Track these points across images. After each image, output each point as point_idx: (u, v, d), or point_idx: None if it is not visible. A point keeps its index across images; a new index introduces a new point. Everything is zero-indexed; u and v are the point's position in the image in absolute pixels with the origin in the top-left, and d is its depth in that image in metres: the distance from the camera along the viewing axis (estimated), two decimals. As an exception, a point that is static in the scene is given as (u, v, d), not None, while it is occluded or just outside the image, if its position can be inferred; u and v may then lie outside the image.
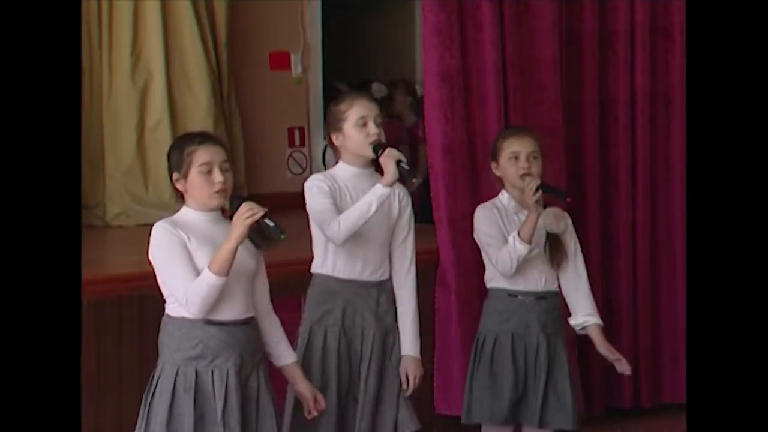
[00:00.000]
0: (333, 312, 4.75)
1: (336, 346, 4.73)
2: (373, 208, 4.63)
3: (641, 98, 6.68)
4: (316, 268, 4.82)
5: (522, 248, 4.96)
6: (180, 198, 4.31)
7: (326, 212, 4.65)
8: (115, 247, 7.36)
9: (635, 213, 6.71)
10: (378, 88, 9.37)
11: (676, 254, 6.76)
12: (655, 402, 6.79)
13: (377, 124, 4.74)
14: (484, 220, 5.11)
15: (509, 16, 6.29)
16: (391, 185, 4.65)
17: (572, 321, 5.17)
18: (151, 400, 4.22)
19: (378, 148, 4.72)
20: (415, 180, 4.88)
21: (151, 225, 4.27)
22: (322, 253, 4.77)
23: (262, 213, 4.12)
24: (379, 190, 4.64)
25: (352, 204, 4.68)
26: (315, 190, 4.70)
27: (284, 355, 4.42)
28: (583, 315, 5.16)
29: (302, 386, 4.44)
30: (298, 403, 4.55)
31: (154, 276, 4.27)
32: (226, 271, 4.10)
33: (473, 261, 5.92)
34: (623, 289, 6.69)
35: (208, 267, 4.11)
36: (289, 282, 5.15)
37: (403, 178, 4.73)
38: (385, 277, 4.84)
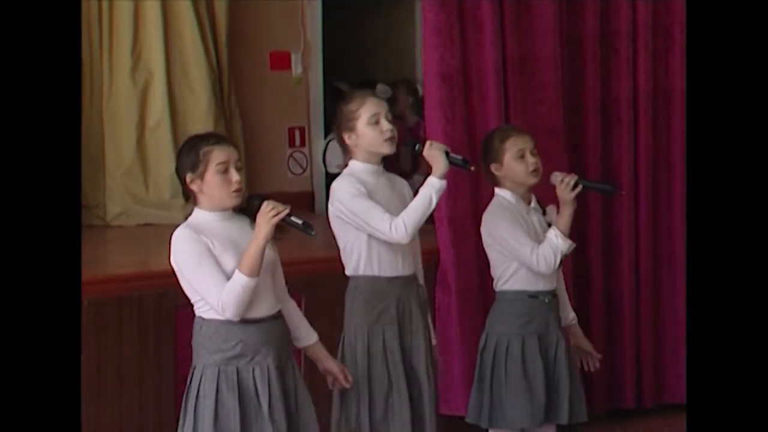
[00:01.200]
0: (388, 311, 4.78)
1: (397, 343, 4.78)
2: (434, 202, 4.70)
3: (643, 98, 6.68)
4: (356, 270, 4.82)
5: (564, 244, 4.96)
6: (192, 199, 4.31)
7: (378, 213, 4.67)
8: (115, 247, 7.36)
9: (637, 213, 6.71)
10: (383, 89, 9.35)
11: (678, 254, 6.75)
12: (656, 402, 6.79)
13: (389, 121, 4.77)
14: (506, 221, 5.03)
15: (509, 16, 6.29)
16: (444, 176, 4.70)
17: (563, 321, 5.18)
18: (196, 403, 4.26)
19: (416, 143, 4.80)
20: (473, 168, 4.90)
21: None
22: (365, 254, 4.77)
23: (287, 211, 4.17)
24: (436, 183, 4.69)
25: (382, 200, 4.72)
26: (354, 192, 4.70)
27: (307, 336, 4.51)
28: (569, 312, 5.23)
29: (330, 363, 4.54)
30: (370, 402, 4.65)
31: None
32: (258, 271, 4.16)
33: (473, 261, 5.92)
34: (625, 289, 6.69)
35: (239, 269, 4.15)
36: (289, 282, 5.14)
37: (457, 167, 4.78)
38: (415, 269, 4.90)
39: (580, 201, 6.40)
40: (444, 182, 4.71)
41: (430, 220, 6.35)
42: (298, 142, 9.00)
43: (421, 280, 4.98)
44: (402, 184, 4.96)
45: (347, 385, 4.54)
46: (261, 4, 8.75)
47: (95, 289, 5.40)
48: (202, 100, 8.12)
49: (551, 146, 6.22)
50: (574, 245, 5.07)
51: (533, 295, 5.06)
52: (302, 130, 9.01)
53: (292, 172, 8.95)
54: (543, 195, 5.17)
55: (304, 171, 8.96)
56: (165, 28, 8.06)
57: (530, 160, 5.02)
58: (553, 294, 5.10)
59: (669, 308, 6.80)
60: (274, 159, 8.86)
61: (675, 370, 6.76)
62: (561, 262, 5.04)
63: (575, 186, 4.99)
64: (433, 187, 4.69)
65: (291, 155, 8.98)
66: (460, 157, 4.79)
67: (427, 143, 4.77)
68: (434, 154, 4.72)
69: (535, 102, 6.37)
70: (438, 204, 6.12)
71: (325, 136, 9.00)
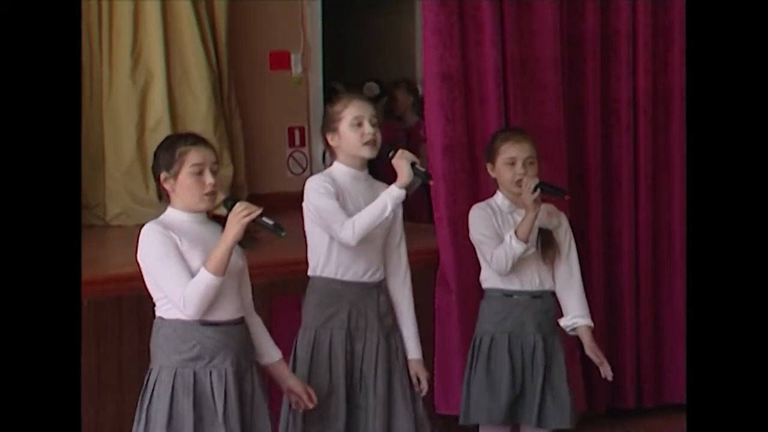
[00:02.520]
0: (338, 315, 4.72)
1: (343, 349, 4.71)
2: (389, 210, 4.62)
3: (643, 98, 6.68)
4: (315, 270, 4.78)
5: (518, 246, 4.97)
6: (165, 198, 4.28)
7: (336, 213, 4.63)
8: (115, 247, 7.36)
9: (637, 213, 6.71)
10: (370, 87, 9.35)
11: (678, 254, 6.75)
12: (656, 402, 6.79)
13: (373, 125, 4.73)
14: (479, 219, 5.12)
15: (509, 16, 6.29)
16: (405, 187, 4.65)
17: (562, 322, 5.17)
18: (149, 404, 4.21)
19: (390, 149, 4.73)
20: (432, 182, 4.89)
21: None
22: (325, 255, 4.73)
23: (258, 212, 4.12)
24: (395, 191, 4.64)
25: (351, 205, 4.67)
26: (321, 190, 4.67)
27: (270, 353, 4.43)
28: (573, 316, 5.17)
29: (292, 382, 4.45)
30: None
31: (144, 277, 4.26)
32: (223, 271, 4.10)
33: (473, 261, 5.91)
34: (626, 289, 6.69)
35: (205, 267, 4.10)
36: (289, 282, 5.15)
37: (418, 180, 4.74)
38: (383, 277, 4.83)
39: (580, 201, 6.45)
40: (403, 192, 4.63)
41: (430, 219, 6.38)
42: (298, 141, 9.00)
43: (405, 290, 4.86)
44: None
45: (310, 406, 4.45)
46: (261, 4, 8.75)
47: (95, 289, 5.40)
48: (202, 100, 8.11)
49: (550, 146, 6.22)
50: (533, 248, 5.04)
51: (508, 294, 5.09)
52: (302, 130, 9.02)
53: (292, 172, 8.95)
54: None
55: (304, 171, 8.96)
56: (165, 28, 8.05)
57: (518, 170, 5.04)
58: (534, 295, 5.10)
59: (669, 308, 6.80)
60: (274, 159, 8.86)
61: (674, 370, 6.76)
62: (563, 263, 5.06)
63: (535, 189, 4.99)
64: (390, 195, 4.63)
65: (291, 155, 8.98)
66: (423, 170, 4.73)
67: (399, 152, 4.71)
68: (400, 163, 4.65)
69: (535, 102, 6.37)
70: (438, 204, 6.18)
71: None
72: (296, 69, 8.99)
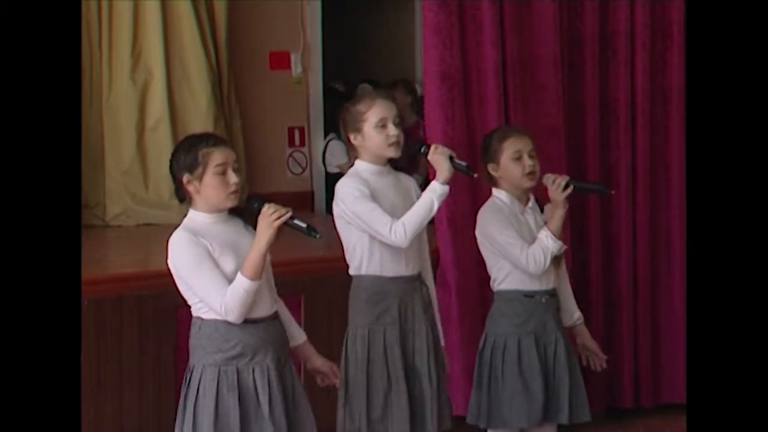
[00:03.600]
0: (390, 311, 4.77)
1: (399, 344, 4.76)
2: (435, 207, 4.69)
3: (641, 98, 6.68)
4: (359, 269, 4.81)
5: (555, 244, 4.96)
6: (188, 200, 4.30)
7: (380, 216, 4.66)
8: (115, 247, 7.36)
9: (635, 213, 6.71)
10: (363, 89, 9.35)
11: (676, 253, 6.76)
12: (654, 402, 6.79)
13: (396, 125, 4.76)
14: (500, 221, 5.04)
15: (509, 16, 6.29)
16: (447, 182, 4.69)
17: (568, 320, 5.18)
18: (195, 402, 4.25)
19: (422, 145, 4.79)
20: (476, 174, 4.90)
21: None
22: (367, 254, 4.76)
23: (289, 214, 4.17)
24: (439, 188, 4.69)
25: (383, 201, 4.71)
26: (356, 194, 4.69)
27: (296, 335, 4.51)
28: (573, 312, 5.22)
29: (319, 361, 4.53)
30: (368, 402, 4.67)
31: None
32: (260, 274, 4.16)
33: (473, 261, 5.92)
34: (624, 288, 6.69)
35: (242, 273, 4.15)
36: (289, 282, 5.14)
37: (460, 173, 4.77)
38: (420, 269, 4.89)
39: (580, 202, 6.45)
40: (447, 188, 4.70)
41: (430, 220, 6.38)
42: (297, 141, 9.01)
43: (429, 281, 4.97)
44: (409, 182, 4.94)
45: (336, 382, 4.55)
46: (261, 4, 8.75)
47: (95, 289, 5.41)
48: (202, 100, 8.12)
49: (551, 146, 6.23)
50: (565, 246, 5.07)
51: (529, 295, 5.06)
52: (302, 130, 9.02)
53: (291, 172, 8.95)
54: (541, 195, 5.16)
55: (304, 171, 8.97)
56: (165, 28, 8.06)
57: (527, 162, 5.02)
58: (550, 293, 5.10)
59: (666, 308, 6.80)
60: (274, 159, 8.87)
61: (672, 370, 6.76)
62: (558, 260, 5.06)
63: (566, 187, 4.99)
64: (435, 193, 4.68)
65: (291, 155, 8.98)
66: (464, 163, 4.78)
67: (432, 147, 4.76)
68: (438, 159, 4.71)
69: (535, 102, 6.37)
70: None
71: (325, 136, 9.01)
72: (296, 69, 8.99)
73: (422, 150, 4.78)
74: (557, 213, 5.00)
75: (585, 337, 5.25)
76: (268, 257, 4.34)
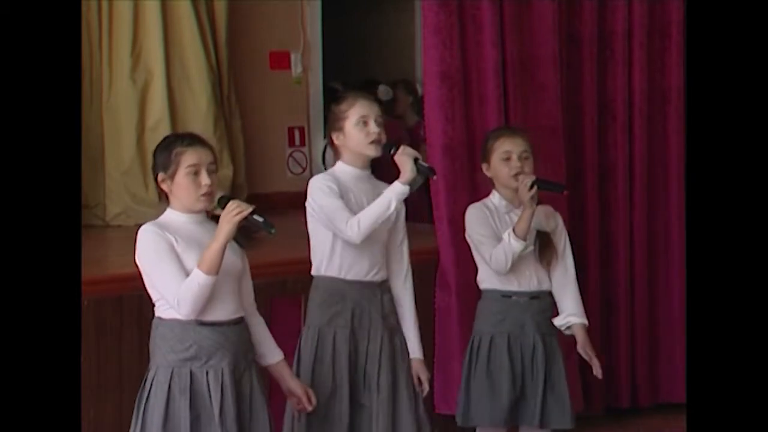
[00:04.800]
0: (342, 314, 4.72)
1: (346, 348, 4.71)
2: (393, 207, 4.64)
3: (639, 98, 6.69)
4: (318, 270, 4.78)
5: (517, 244, 4.96)
6: (165, 198, 4.29)
7: (340, 211, 4.63)
8: (115, 247, 7.36)
9: (632, 212, 6.72)
10: (384, 91, 9.36)
11: (673, 253, 6.77)
12: (652, 402, 6.79)
13: (378, 124, 4.73)
14: (476, 219, 5.11)
15: (509, 16, 6.29)
16: (409, 183, 4.65)
17: (557, 321, 5.16)
18: (146, 403, 4.22)
19: (391, 146, 4.74)
20: (435, 176, 4.90)
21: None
22: (328, 254, 4.73)
23: (249, 210, 4.12)
24: (399, 188, 4.64)
25: (355, 204, 4.68)
26: (325, 189, 4.66)
27: (272, 354, 4.42)
28: (567, 315, 5.17)
29: (293, 383, 4.44)
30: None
31: (142, 277, 4.26)
32: (216, 269, 4.10)
33: (473, 261, 5.91)
34: (621, 288, 6.70)
35: (198, 266, 4.10)
36: (289, 282, 5.15)
37: (422, 176, 4.73)
38: (386, 277, 4.83)
39: (578, 202, 6.45)
40: (407, 188, 4.64)
41: (430, 219, 6.38)
42: (297, 141, 9.01)
43: (402, 290, 4.86)
44: None
45: (309, 408, 4.44)
46: (261, 4, 8.75)
47: (95, 289, 5.40)
48: (202, 100, 8.12)
49: (550, 146, 6.23)
50: (531, 246, 5.04)
51: (506, 295, 5.09)
52: (302, 130, 9.02)
53: (291, 172, 8.95)
54: (540, 195, 5.16)
55: (304, 171, 8.97)
56: (165, 28, 8.05)
57: (514, 163, 5.03)
58: (533, 295, 5.10)
59: (664, 308, 6.81)
60: (274, 159, 8.86)
61: (670, 370, 6.77)
62: (559, 262, 5.06)
63: (531, 186, 4.99)
64: (394, 192, 4.64)
65: (291, 155, 8.98)
66: (426, 165, 4.74)
67: (401, 147, 4.72)
68: (404, 159, 4.66)
69: (535, 102, 6.37)
70: (438, 204, 6.18)
71: (325, 136, 9.00)
72: (296, 69, 9.00)
73: (391, 150, 4.75)
74: (525, 213, 4.99)
75: (578, 343, 5.18)
76: (247, 269, 4.33)
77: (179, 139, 4.29)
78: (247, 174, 8.39)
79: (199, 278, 4.09)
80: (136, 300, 5.50)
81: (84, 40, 7.71)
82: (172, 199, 4.26)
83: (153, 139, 7.96)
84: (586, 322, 5.19)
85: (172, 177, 4.21)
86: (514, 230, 4.98)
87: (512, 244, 4.97)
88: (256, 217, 4.14)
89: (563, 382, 5.10)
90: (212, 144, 4.39)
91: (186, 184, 4.20)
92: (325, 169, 8.87)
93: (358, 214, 4.62)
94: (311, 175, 9.00)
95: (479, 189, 5.96)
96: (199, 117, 8.05)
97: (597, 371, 5.19)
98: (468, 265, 6.05)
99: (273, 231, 4.16)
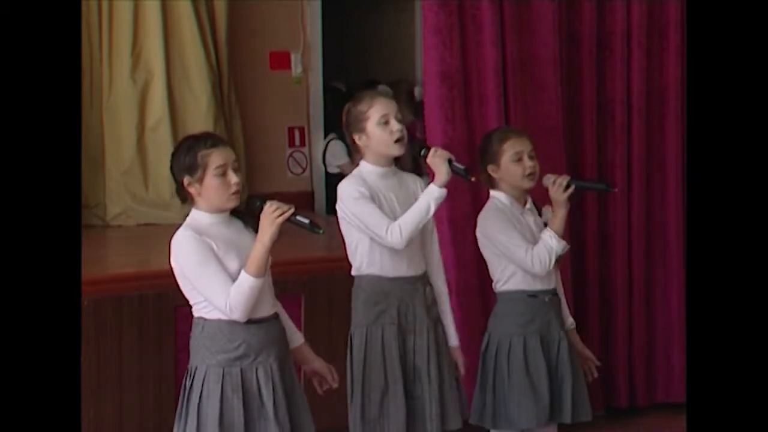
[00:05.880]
0: (388, 311, 4.76)
1: (396, 344, 4.75)
2: (432, 210, 4.69)
3: (637, 98, 6.69)
4: (359, 269, 4.82)
5: (559, 244, 4.97)
6: (190, 201, 4.31)
7: (378, 218, 4.67)
8: (115, 247, 7.37)
9: (631, 212, 6.72)
10: (384, 90, 9.36)
11: (671, 253, 6.77)
12: (650, 401, 6.80)
13: (399, 121, 4.76)
14: (501, 222, 5.04)
15: (509, 16, 6.29)
16: (445, 185, 4.69)
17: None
18: (199, 403, 4.24)
19: (422, 148, 4.78)
20: (473, 179, 4.91)
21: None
22: (367, 254, 4.76)
23: (291, 211, 4.18)
24: (435, 191, 4.69)
25: (384, 203, 4.72)
26: (356, 195, 4.69)
27: (294, 338, 4.50)
28: (567, 317, 5.21)
29: (317, 364, 4.54)
30: (364, 401, 4.66)
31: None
32: (264, 272, 4.18)
33: (473, 261, 5.92)
34: (619, 287, 6.69)
35: (246, 270, 4.16)
36: (289, 282, 5.15)
37: (458, 177, 4.76)
38: (424, 269, 4.88)
39: (577, 201, 6.44)
40: (444, 191, 4.70)
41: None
42: (297, 141, 9.01)
43: (438, 280, 4.93)
44: (415, 184, 4.90)
45: (335, 385, 4.54)
46: (261, 4, 8.75)
47: (95, 289, 5.41)
48: (202, 100, 8.12)
49: (550, 146, 6.23)
50: (568, 246, 5.08)
51: (533, 295, 5.06)
52: (302, 130, 9.02)
53: (291, 172, 8.95)
54: (540, 196, 5.16)
55: (304, 171, 8.97)
56: (165, 28, 8.06)
57: (527, 163, 5.03)
58: (553, 293, 5.11)
59: (662, 308, 6.81)
60: (274, 159, 8.86)
61: (668, 369, 6.77)
62: (557, 262, 5.06)
63: (567, 187, 4.99)
64: (432, 195, 4.69)
65: (291, 155, 8.98)
66: (462, 167, 4.78)
67: (432, 149, 4.76)
68: (437, 162, 4.71)
69: (534, 102, 6.37)
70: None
71: (325, 136, 9.01)
72: (296, 69, 8.99)
73: (422, 153, 4.78)
74: (559, 213, 5.00)
75: (577, 344, 5.22)
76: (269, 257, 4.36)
77: (200, 141, 4.30)
78: (247, 174, 8.38)
79: (249, 282, 4.15)
80: (136, 300, 5.51)
81: (84, 40, 7.71)
82: (198, 200, 4.29)
83: (153, 139, 7.99)
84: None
85: (200, 180, 4.24)
86: (552, 230, 4.97)
87: (554, 243, 4.96)
88: (300, 218, 4.21)
89: (582, 376, 5.15)
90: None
91: (216, 185, 4.24)
92: (325, 169, 8.94)
93: (398, 221, 4.67)
94: (311, 175, 9.07)
95: (479, 189, 5.95)
96: (199, 117, 8.05)
97: (593, 371, 5.24)
98: (468, 265, 6.06)
99: (320, 231, 4.25)
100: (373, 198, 4.70)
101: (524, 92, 6.34)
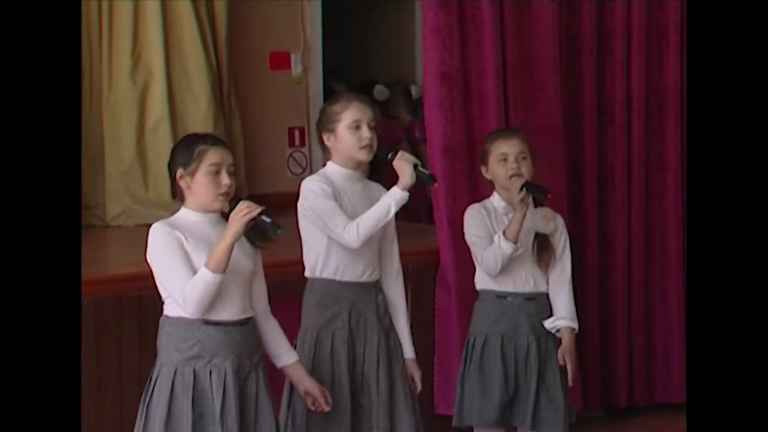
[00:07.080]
0: (340, 316, 4.71)
1: (345, 350, 4.70)
2: (392, 212, 4.63)
3: (637, 98, 6.70)
4: (314, 272, 4.77)
5: (507, 247, 4.97)
6: (180, 196, 4.31)
7: (336, 215, 4.63)
8: (115, 247, 7.36)
9: (630, 213, 6.72)
10: (380, 90, 9.36)
11: (671, 254, 6.77)
12: (649, 402, 6.80)
13: (371, 128, 4.71)
14: (472, 220, 5.14)
15: (509, 16, 6.30)
16: (407, 188, 4.64)
17: (547, 323, 5.14)
18: (149, 401, 4.23)
19: (389, 151, 4.72)
20: (436, 185, 4.90)
21: (151, 225, 4.28)
22: (323, 256, 4.72)
23: (258, 210, 4.14)
24: (398, 194, 4.63)
25: (347, 205, 4.67)
26: (318, 191, 4.65)
27: (286, 356, 4.43)
28: (557, 318, 5.15)
29: (309, 384, 4.44)
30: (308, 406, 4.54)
31: (153, 276, 4.27)
32: (223, 268, 4.11)
33: (473, 261, 5.92)
34: (619, 288, 6.70)
35: (205, 264, 4.12)
36: (289, 282, 5.14)
37: (421, 182, 4.73)
38: (379, 277, 4.83)
39: (576, 202, 6.46)
40: (406, 194, 4.63)
41: (430, 219, 6.38)
42: (297, 141, 9.00)
43: (394, 289, 4.86)
44: (379, 192, 4.81)
45: (327, 408, 4.45)
46: (261, 4, 8.75)
47: (95, 289, 5.41)
48: (202, 100, 8.11)
49: (550, 146, 6.23)
50: (521, 249, 5.03)
51: (501, 296, 5.10)
52: (302, 130, 9.02)
53: (291, 172, 8.95)
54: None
55: (304, 171, 8.96)
56: (165, 28, 8.05)
57: (511, 165, 5.04)
58: (528, 296, 5.10)
59: (661, 308, 6.81)
60: (274, 159, 8.86)
61: (667, 369, 6.78)
62: (558, 264, 5.06)
63: (521, 189, 5.00)
64: (393, 198, 4.63)
65: (291, 155, 8.98)
66: (427, 172, 4.75)
67: (399, 153, 4.72)
68: (403, 165, 4.65)
69: (534, 102, 6.38)
70: (438, 204, 6.18)
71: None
72: (296, 69, 8.99)
73: (388, 156, 4.73)
74: (515, 215, 5.00)
75: (562, 346, 5.12)
76: (261, 271, 4.35)
77: (201, 138, 4.32)
78: (247, 174, 8.38)
79: (205, 276, 4.11)
80: (136, 300, 5.51)
81: (84, 40, 7.70)
82: (188, 196, 4.28)
83: (153, 139, 7.99)
84: (575, 326, 5.16)
85: (192, 174, 4.24)
86: (504, 233, 4.98)
87: (502, 246, 4.98)
88: (264, 217, 4.17)
89: (558, 385, 5.09)
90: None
91: (206, 182, 4.23)
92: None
93: (357, 219, 4.61)
94: (308, 177, 9.06)
95: (479, 189, 5.96)
96: (199, 117, 8.04)
97: (571, 379, 5.15)
98: (468, 266, 6.05)
99: (279, 233, 4.19)
100: (336, 197, 4.65)
101: (524, 92, 6.35)
